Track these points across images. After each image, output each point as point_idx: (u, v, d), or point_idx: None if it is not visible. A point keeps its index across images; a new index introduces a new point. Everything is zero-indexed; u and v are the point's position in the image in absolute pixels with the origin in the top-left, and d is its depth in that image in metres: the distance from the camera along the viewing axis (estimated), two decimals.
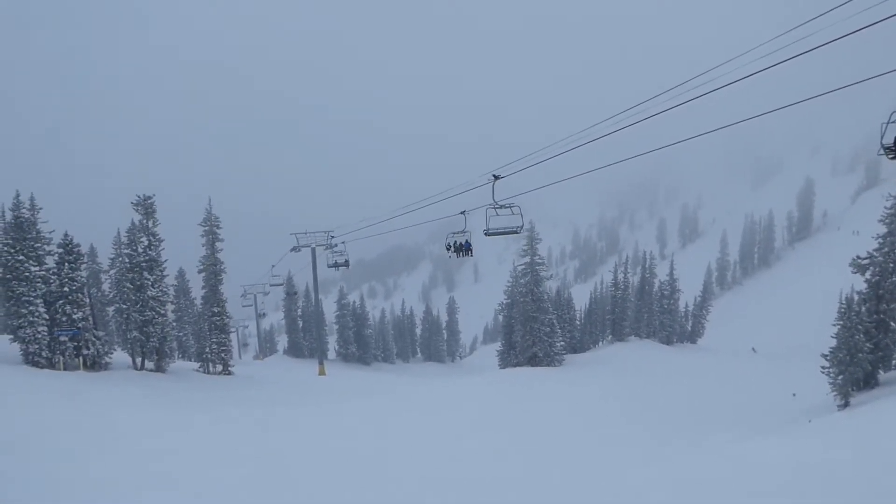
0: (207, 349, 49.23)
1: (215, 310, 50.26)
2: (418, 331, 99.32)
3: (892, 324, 34.43)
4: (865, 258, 35.70)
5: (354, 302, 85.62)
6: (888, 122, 10.62)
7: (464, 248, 23.25)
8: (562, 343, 54.39)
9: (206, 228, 50.28)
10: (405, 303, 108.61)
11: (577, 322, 65.79)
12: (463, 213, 21.15)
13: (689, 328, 74.03)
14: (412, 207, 27.08)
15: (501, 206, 19.60)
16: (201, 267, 50.67)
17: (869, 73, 11.74)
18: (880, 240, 35.36)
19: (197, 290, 54.59)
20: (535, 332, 51.97)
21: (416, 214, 28.01)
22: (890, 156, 10.78)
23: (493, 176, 18.49)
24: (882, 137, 10.66)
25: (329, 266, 46.89)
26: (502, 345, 61.40)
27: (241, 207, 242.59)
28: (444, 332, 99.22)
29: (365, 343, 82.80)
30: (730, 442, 24.94)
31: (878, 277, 34.96)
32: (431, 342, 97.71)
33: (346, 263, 45.63)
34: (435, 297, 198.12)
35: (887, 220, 35.40)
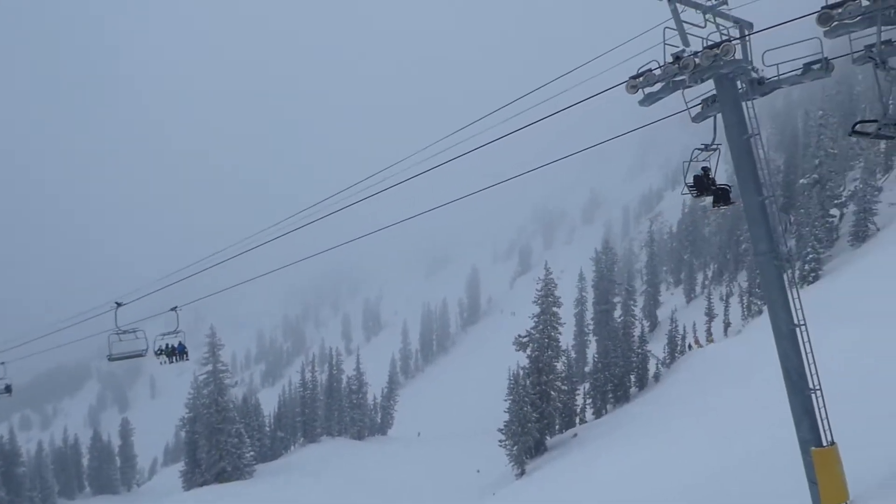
0: None
1: None
2: (85, 461, 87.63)
3: (552, 393, 38.88)
4: (525, 336, 40.13)
5: (2, 437, 72.72)
6: (689, 161, 10.92)
7: (177, 352, 20.71)
8: (251, 453, 51.72)
9: None
10: (68, 431, 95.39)
11: (267, 428, 63.47)
12: (174, 309, 19.18)
13: (379, 420, 75.45)
14: (65, 324, 23.97)
15: (125, 332, 19.66)
16: None
17: (513, 172, 13.15)
18: (535, 319, 40.25)
19: None
20: (222, 444, 48.67)
21: (78, 327, 24.51)
22: (694, 194, 11.10)
23: (116, 303, 19.07)
24: (685, 177, 10.96)
25: None
26: (186, 464, 56.43)
27: None
28: (116, 458, 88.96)
29: (17, 485, 70.29)
30: None
31: (537, 353, 39.49)
32: (102, 472, 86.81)
33: (8, 389, 38.47)
34: (105, 420, 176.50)
35: (539, 301, 40.58)
